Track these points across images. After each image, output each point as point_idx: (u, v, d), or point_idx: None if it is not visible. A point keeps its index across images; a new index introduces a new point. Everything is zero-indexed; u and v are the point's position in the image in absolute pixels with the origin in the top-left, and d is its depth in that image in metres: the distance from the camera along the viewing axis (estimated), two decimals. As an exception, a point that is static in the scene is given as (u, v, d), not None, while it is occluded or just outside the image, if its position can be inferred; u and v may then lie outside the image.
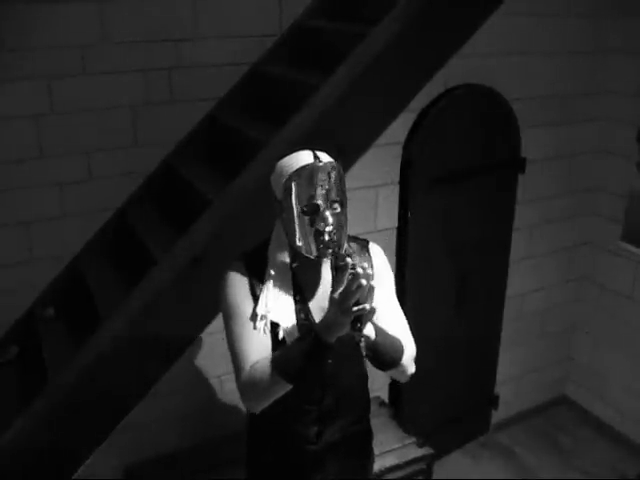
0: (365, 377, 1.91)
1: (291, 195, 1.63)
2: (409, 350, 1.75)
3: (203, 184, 2.71)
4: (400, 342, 1.71)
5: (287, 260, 1.72)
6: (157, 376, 2.40)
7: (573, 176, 3.58)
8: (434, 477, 2.91)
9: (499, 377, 3.75)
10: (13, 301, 2.84)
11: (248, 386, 1.63)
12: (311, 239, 1.63)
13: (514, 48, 3.10)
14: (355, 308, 1.45)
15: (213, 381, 2.80)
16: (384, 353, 1.65)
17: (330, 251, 1.62)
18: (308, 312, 1.73)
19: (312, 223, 1.62)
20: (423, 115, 2.94)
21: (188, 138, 3.10)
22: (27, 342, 2.83)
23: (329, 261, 1.72)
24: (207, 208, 2.36)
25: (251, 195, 2.31)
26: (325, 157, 1.68)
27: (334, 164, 1.67)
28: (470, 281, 3.38)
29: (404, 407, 3.29)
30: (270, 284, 1.70)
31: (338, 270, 1.54)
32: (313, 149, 1.69)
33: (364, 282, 1.43)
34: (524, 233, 3.51)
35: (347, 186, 1.72)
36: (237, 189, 2.33)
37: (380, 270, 1.81)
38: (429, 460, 2.83)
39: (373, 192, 2.90)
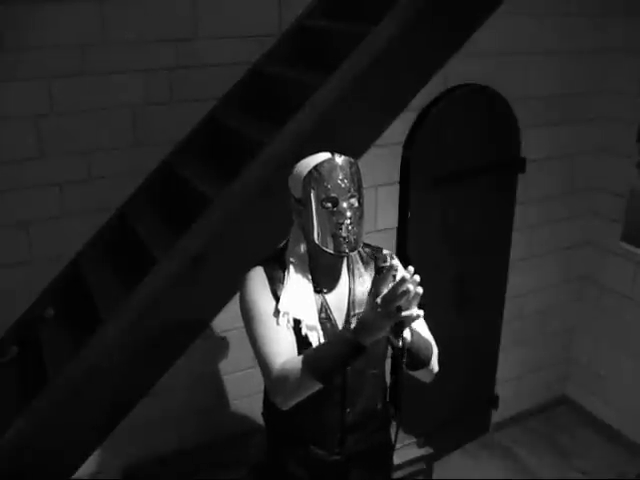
0: (385, 387, 1.93)
1: (310, 190, 1.66)
2: (435, 349, 1.81)
3: (203, 184, 2.71)
4: (429, 341, 1.76)
5: (306, 259, 1.75)
6: (157, 376, 2.40)
7: (573, 176, 3.58)
8: (434, 477, 2.91)
9: (499, 377, 3.75)
10: (13, 301, 2.84)
11: (280, 384, 1.63)
12: (329, 234, 1.65)
13: (514, 48, 3.10)
14: (403, 314, 1.43)
15: (213, 382, 2.80)
16: (418, 353, 1.66)
17: (346, 248, 1.65)
18: (328, 309, 1.75)
19: (330, 217, 1.65)
20: (423, 115, 2.94)
21: (188, 138, 3.10)
22: (27, 342, 2.83)
23: (345, 260, 1.77)
24: (207, 208, 2.36)
25: (251, 195, 2.31)
26: (343, 155, 1.72)
27: (352, 160, 1.71)
28: (470, 281, 3.38)
29: (404, 407, 3.29)
30: (290, 282, 1.72)
31: (379, 271, 1.55)
32: (331, 151, 1.73)
33: (411, 287, 1.41)
34: (524, 233, 3.51)
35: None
36: (237, 189, 2.33)
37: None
38: (429, 460, 2.83)
39: (373, 192, 2.90)
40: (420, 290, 1.43)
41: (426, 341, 1.72)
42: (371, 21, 2.50)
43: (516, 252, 3.52)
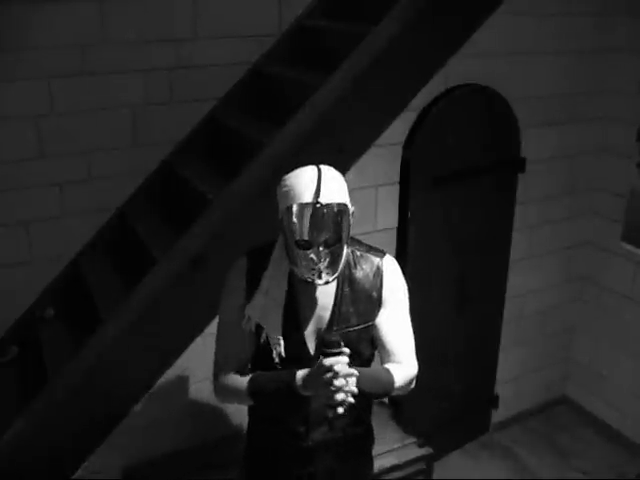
0: None
1: (288, 223, 1.61)
2: (403, 375, 1.77)
3: (203, 184, 2.71)
4: (388, 376, 1.72)
5: (286, 270, 1.71)
6: (156, 376, 2.40)
7: (573, 176, 3.58)
8: (434, 477, 2.91)
9: (499, 377, 3.75)
10: (13, 301, 2.85)
11: (222, 390, 1.77)
12: (303, 266, 1.62)
13: (514, 48, 3.10)
14: (337, 398, 1.52)
15: (212, 382, 2.80)
16: (369, 395, 1.71)
17: (320, 282, 1.63)
18: (298, 319, 1.74)
19: (305, 255, 1.61)
20: (423, 115, 2.94)
21: (188, 138, 3.10)
22: (27, 342, 2.83)
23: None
24: (207, 208, 2.36)
25: (251, 195, 2.31)
26: (329, 194, 1.59)
27: (335, 207, 1.59)
28: (470, 281, 3.38)
29: (404, 407, 3.29)
30: (266, 285, 1.71)
31: (323, 355, 1.56)
32: (319, 173, 1.61)
33: (342, 383, 1.52)
34: (524, 233, 3.51)
35: (347, 186, 1.71)
36: (237, 189, 2.33)
37: (389, 285, 1.78)
38: (429, 460, 2.82)
39: (373, 192, 2.90)
40: (349, 390, 1.53)
41: (380, 379, 1.72)
42: (371, 21, 2.50)
43: (516, 252, 3.52)
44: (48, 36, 2.70)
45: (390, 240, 3.04)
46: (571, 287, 3.85)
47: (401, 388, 1.78)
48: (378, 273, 1.77)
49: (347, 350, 1.57)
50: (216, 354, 1.78)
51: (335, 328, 1.72)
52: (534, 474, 3.52)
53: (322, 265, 1.60)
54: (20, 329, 2.90)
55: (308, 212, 1.57)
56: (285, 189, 1.63)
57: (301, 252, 1.61)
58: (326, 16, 3.25)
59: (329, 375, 1.52)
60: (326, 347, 1.57)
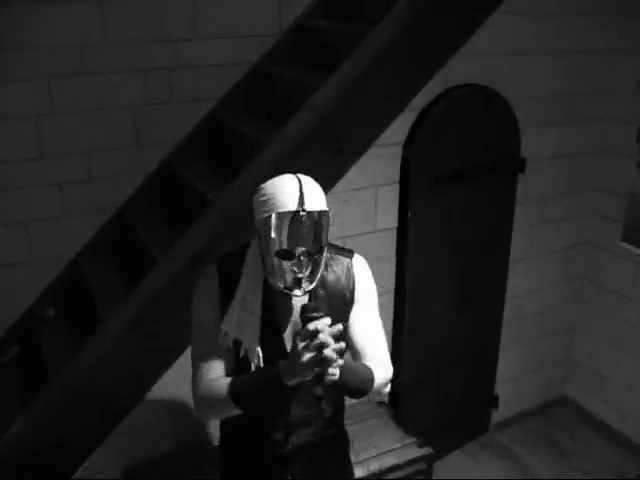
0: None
1: (269, 233, 1.55)
2: (382, 375, 1.70)
3: (203, 184, 2.71)
4: (369, 372, 1.65)
5: (260, 279, 1.66)
6: (156, 376, 2.40)
7: (573, 176, 3.58)
8: (434, 477, 2.91)
9: (499, 377, 3.75)
10: (13, 301, 2.85)
11: (203, 401, 1.65)
12: (283, 277, 1.57)
13: (514, 48, 3.10)
14: (317, 370, 1.44)
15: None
16: (350, 389, 1.62)
17: (298, 291, 1.57)
18: (275, 322, 1.69)
19: (285, 264, 1.56)
20: (423, 115, 2.94)
21: (188, 138, 3.10)
22: (27, 342, 2.83)
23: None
24: (207, 208, 2.36)
25: (250, 195, 2.31)
26: (312, 201, 1.55)
27: (321, 213, 1.56)
28: (470, 281, 3.38)
29: (404, 407, 3.29)
30: (241, 296, 1.66)
31: (304, 321, 1.50)
32: (300, 181, 1.57)
33: (325, 339, 1.43)
34: (524, 233, 3.51)
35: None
36: (237, 189, 2.33)
37: (361, 285, 1.76)
38: (429, 460, 2.82)
39: (373, 192, 2.90)
40: (338, 346, 1.44)
41: (363, 374, 1.64)
42: (371, 21, 2.50)
43: (516, 252, 3.52)
44: (48, 36, 2.70)
45: (390, 240, 3.04)
46: (571, 287, 3.85)
47: (379, 388, 1.70)
48: (349, 273, 1.75)
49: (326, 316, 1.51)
50: (194, 370, 1.69)
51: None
52: (534, 474, 3.52)
53: (303, 275, 1.56)
54: (20, 329, 2.90)
55: (291, 221, 1.52)
56: (264, 198, 1.57)
57: (281, 262, 1.56)
58: (326, 16, 3.25)
59: (318, 340, 1.43)
60: (306, 313, 1.51)
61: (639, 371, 3.59)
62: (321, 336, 1.44)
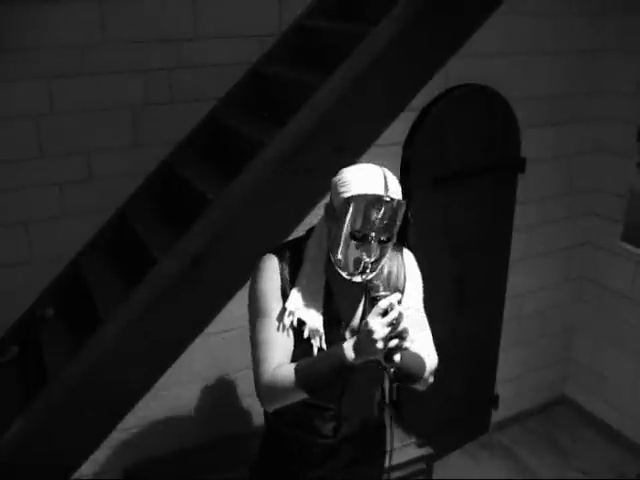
0: (382, 377, 1.93)
1: (347, 214, 1.58)
2: (431, 363, 1.75)
3: (203, 184, 2.71)
4: (423, 359, 1.70)
5: (324, 258, 1.70)
6: (157, 375, 2.40)
7: (573, 176, 3.58)
8: (434, 477, 2.91)
9: (499, 377, 3.75)
10: (13, 301, 2.85)
11: (268, 390, 1.65)
12: (350, 260, 1.60)
13: (514, 48, 3.10)
14: (392, 344, 1.46)
15: (213, 382, 2.80)
16: (408, 374, 1.65)
17: (363, 276, 1.61)
18: (337, 314, 1.72)
19: (357, 247, 1.59)
20: (423, 115, 2.94)
21: (188, 138, 3.10)
22: (27, 342, 2.83)
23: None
24: (207, 208, 2.36)
25: (251, 195, 2.31)
26: (395, 190, 1.60)
27: (401, 203, 1.60)
28: (470, 281, 3.38)
29: (404, 407, 3.29)
30: (303, 282, 1.68)
31: (373, 300, 1.53)
32: (383, 170, 1.62)
33: (402, 318, 1.46)
34: (524, 233, 3.51)
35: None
36: (237, 189, 2.33)
37: (412, 278, 1.82)
38: (429, 460, 2.82)
39: (373, 192, 2.90)
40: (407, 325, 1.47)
41: (419, 360, 1.69)
42: (371, 21, 2.50)
43: (516, 252, 3.52)
44: (48, 36, 2.70)
45: (390, 240, 3.04)
46: (571, 287, 3.85)
47: (427, 376, 1.74)
48: (401, 266, 1.80)
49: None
50: (257, 359, 1.69)
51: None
52: (534, 474, 3.52)
53: (369, 261, 1.59)
54: (20, 329, 2.90)
55: (373, 205, 1.56)
56: (348, 179, 1.61)
57: (351, 245, 1.59)
58: (326, 16, 3.25)
59: (392, 316, 1.46)
60: (373, 292, 1.54)
61: (639, 371, 3.59)
62: (394, 313, 1.46)
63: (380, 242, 1.60)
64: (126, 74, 2.88)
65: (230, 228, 2.29)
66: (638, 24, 3.30)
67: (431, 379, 1.79)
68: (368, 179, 1.59)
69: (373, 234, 1.58)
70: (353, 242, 1.59)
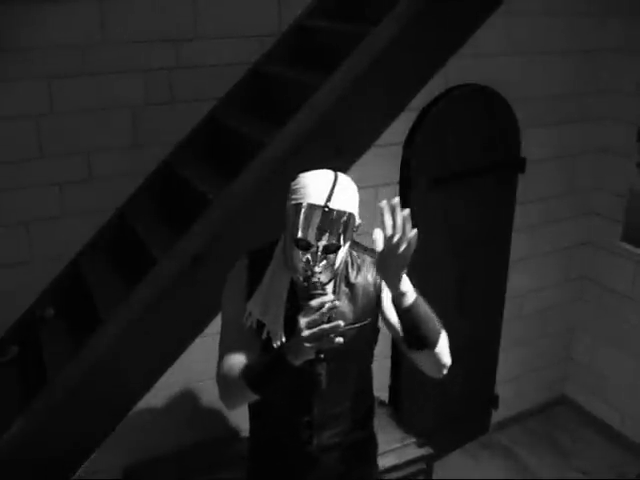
0: (367, 387, 1.91)
1: (292, 220, 1.60)
2: (444, 336, 1.74)
3: (203, 184, 2.71)
4: (439, 323, 1.70)
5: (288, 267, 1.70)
6: (156, 375, 2.40)
7: (573, 176, 3.58)
8: (434, 477, 2.91)
9: (499, 377, 3.75)
10: (13, 301, 2.85)
11: (222, 386, 1.71)
12: (297, 265, 1.61)
13: (514, 48, 3.10)
14: (317, 341, 1.45)
15: (213, 382, 2.81)
16: (419, 326, 1.64)
17: (311, 285, 1.58)
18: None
19: (302, 254, 1.60)
20: (423, 115, 2.94)
21: (188, 138, 3.10)
22: (27, 342, 2.83)
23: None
24: (207, 208, 2.36)
25: (251, 195, 2.31)
26: (340, 201, 1.59)
27: (342, 213, 1.59)
28: (470, 281, 3.38)
29: (404, 407, 3.29)
30: (266, 285, 1.70)
31: (309, 298, 1.52)
32: (335, 179, 1.60)
33: (329, 314, 1.45)
34: (524, 233, 3.51)
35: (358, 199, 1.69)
36: (237, 189, 2.33)
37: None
38: (429, 460, 2.82)
39: (373, 192, 2.90)
40: (335, 323, 1.45)
41: (434, 319, 1.69)
42: (371, 21, 2.50)
43: (516, 252, 3.52)
44: (48, 36, 2.70)
45: (390, 240, 3.04)
46: (571, 287, 3.85)
47: (442, 348, 1.72)
48: (374, 271, 1.78)
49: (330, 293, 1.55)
50: (219, 354, 1.75)
51: None
52: (534, 474, 3.52)
53: (316, 268, 1.59)
54: (20, 329, 2.90)
55: (315, 213, 1.57)
56: (297, 186, 1.62)
57: (298, 251, 1.61)
58: (326, 16, 3.25)
59: (320, 312, 1.45)
60: (309, 291, 1.54)
61: (639, 371, 3.59)
62: (319, 314, 1.46)
63: (325, 251, 1.59)
64: (126, 74, 2.88)
65: (230, 228, 2.29)
66: (638, 24, 3.30)
67: (447, 359, 1.76)
68: (313, 187, 1.58)
69: (315, 243, 1.58)
70: (297, 249, 1.60)
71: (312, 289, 1.54)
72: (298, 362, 1.52)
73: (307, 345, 1.46)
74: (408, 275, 1.64)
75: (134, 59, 2.89)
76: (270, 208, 2.32)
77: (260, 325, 1.70)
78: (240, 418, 2.80)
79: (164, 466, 2.62)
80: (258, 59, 3.18)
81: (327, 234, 1.58)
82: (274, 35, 3.18)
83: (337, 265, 1.65)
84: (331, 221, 1.58)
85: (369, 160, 2.66)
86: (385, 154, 2.85)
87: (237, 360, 1.68)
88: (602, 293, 3.76)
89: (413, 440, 2.83)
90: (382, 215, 1.50)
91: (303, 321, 1.47)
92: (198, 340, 2.42)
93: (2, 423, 2.24)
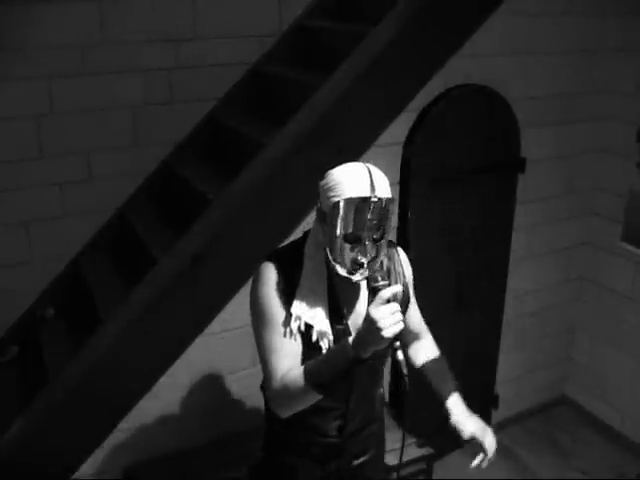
0: (382, 375, 1.96)
1: (337, 217, 1.58)
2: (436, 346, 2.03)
3: (203, 184, 2.71)
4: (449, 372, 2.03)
5: (323, 259, 1.69)
6: (157, 375, 2.40)
7: (573, 176, 3.58)
8: (434, 477, 2.91)
9: (499, 377, 3.75)
10: (13, 301, 2.85)
11: (280, 395, 1.65)
12: (347, 261, 1.61)
13: (514, 48, 3.10)
14: (396, 330, 1.48)
15: (213, 381, 2.80)
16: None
17: (359, 276, 1.62)
18: (342, 314, 1.73)
19: (351, 249, 1.60)
20: (423, 115, 2.94)
21: (188, 138, 3.10)
22: (27, 342, 2.83)
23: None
24: (207, 208, 2.36)
25: (251, 195, 2.31)
26: (382, 188, 1.59)
27: (389, 200, 1.60)
28: (470, 281, 3.38)
29: (404, 407, 3.29)
30: (307, 283, 1.68)
31: (374, 290, 1.55)
32: (369, 169, 1.61)
33: (398, 302, 1.51)
34: (524, 233, 3.51)
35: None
36: (237, 189, 2.33)
37: (408, 275, 1.89)
38: (429, 460, 2.82)
39: (373, 192, 2.90)
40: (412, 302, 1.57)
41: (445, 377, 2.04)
42: (371, 21, 2.50)
43: (516, 252, 3.52)
44: (48, 36, 2.70)
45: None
46: (571, 287, 3.85)
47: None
48: (398, 262, 1.85)
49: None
50: (267, 368, 1.68)
51: None
52: (534, 474, 3.52)
53: (365, 260, 1.60)
54: (20, 329, 2.90)
55: (361, 207, 1.56)
56: (332, 183, 1.60)
57: (346, 246, 1.60)
58: (326, 16, 3.25)
59: (393, 306, 1.48)
60: (373, 283, 1.57)
61: (639, 371, 3.59)
62: (394, 303, 1.49)
63: (374, 241, 1.61)
64: (126, 74, 2.88)
65: (230, 228, 2.29)
66: (638, 24, 3.30)
67: (437, 352, 2.04)
68: (354, 181, 1.58)
69: (366, 235, 1.59)
70: (347, 245, 1.60)
71: (373, 282, 1.57)
72: (367, 355, 1.53)
73: (385, 335, 1.47)
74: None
75: (134, 59, 2.89)
76: (270, 208, 2.34)
77: (307, 327, 1.67)
78: (241, 418, 2.80)
79: (164, 466, 2.62)
80: (258, 59, 3.18)
81: (376, 224, 1.59)
82: (274, 35, 3.18)
83: (381, 256, 1.66)
84: (379, 210, 1.58)
85: (369, 160, 2.65)
86: (385, 154, 2.85)
87: (287, 366, 1.65)
88: (602, 293, 3.76)
89: (413, 440, 2.83)
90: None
91: (378, 312, 1.47)
92: (198, 340, 2.42)
93: (2, 423, 2.24)
